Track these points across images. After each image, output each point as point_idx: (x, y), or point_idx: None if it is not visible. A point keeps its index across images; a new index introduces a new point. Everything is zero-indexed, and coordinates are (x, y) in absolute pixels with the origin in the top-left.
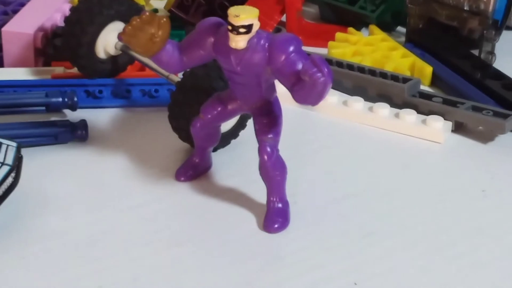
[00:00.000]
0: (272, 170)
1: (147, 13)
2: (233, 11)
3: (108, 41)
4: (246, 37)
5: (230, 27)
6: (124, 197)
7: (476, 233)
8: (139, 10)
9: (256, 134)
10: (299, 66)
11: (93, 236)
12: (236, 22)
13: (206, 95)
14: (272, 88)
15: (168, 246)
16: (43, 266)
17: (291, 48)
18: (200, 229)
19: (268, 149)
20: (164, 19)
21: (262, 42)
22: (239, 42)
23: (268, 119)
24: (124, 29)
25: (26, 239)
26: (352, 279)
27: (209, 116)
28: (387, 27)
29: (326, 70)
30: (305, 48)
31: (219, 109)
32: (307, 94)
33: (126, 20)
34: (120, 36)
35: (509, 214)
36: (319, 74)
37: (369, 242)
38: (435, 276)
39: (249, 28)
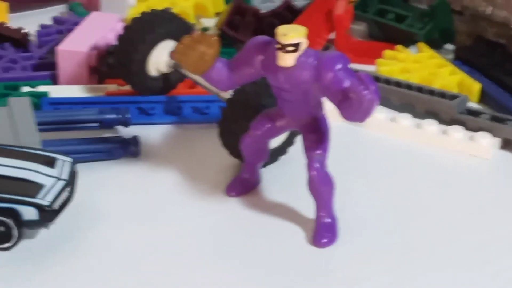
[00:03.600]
0: (321, 186)
1: (198, 32)
2: (281, 30)
3: (159, 59)
4: (294, 55)
5: (278, 46)
6: (175, 211)
7: None
8: (190, 29)
9: (304, 150)
10: (347, 83)
11: (144, 249)
12: (284, 40)
13: (255, 112)
14: (320, 105)
15: (216, 260)
16: (96, 278)
17: (339, 66)
18: (249, 243)
19: (317, 165)
20: (214, 38)
21: (310, 60)
22: (287, 60)
23: (316, 135)
24: (176, 48)
25: (80, 251)
26: None
27: (259, 132)
28: (436, 45)
29: (373, 87)
30: (353, 66)
31: (268, 125)
32: (354, 111)
33: (177, 38)
34: (171, 54)
35: None
36: (365, 92)
37: (414, 257)
38: None
39: (297, 46)
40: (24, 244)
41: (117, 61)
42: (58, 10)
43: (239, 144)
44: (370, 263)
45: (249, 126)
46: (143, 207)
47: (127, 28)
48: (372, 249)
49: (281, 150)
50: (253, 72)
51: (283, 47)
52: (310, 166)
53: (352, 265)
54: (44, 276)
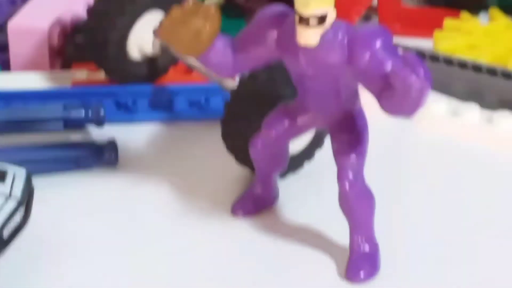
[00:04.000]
0: (356, 203)
1: (191, 1)
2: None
3: (143, 36)
4: (319, 31)
5: (298, 18)
6: (167, 238)
7: None
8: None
9: (334, 156)
10: (388, 66)
11: None
12: (306, 11)
13: (269, 105)
14: (355, 96)
15: None
16: None
17: (378, 44)
18: (265, 278)
19: (350, 176)
20: (213, 8)
21: (340, 36)
22: (310, 37)
23: (350, 136)
24: (162, 23)
25: None
26: None
27: (274, 132)
28: None
29: (422, 71)
30: (403, 40)
31: (286, 123)
32: (398, 103)
33: (165, 8)
34: (157, 32)
35: None
36: (413, 77)
37: None
38: None
39: (322, 19)
40: None
41: (88, 40)
42: None
43: (248, 148)
44: None
45: (261, 124)
46: (124, 232)
47: (95, 3)
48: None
49: (306, 155)
50: (264, 54)
51: (304, 20)
52: (341, 177)
53: None
54: None
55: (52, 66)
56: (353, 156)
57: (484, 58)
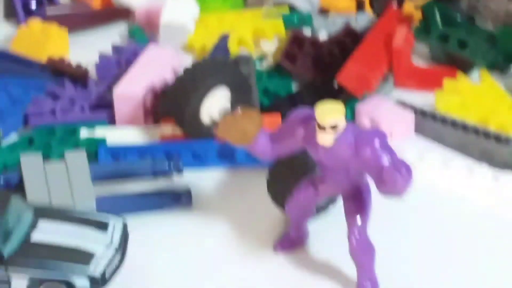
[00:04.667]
0: (361, 253)
1: (239, 114)
2: (319, 110)
3: (212, 107)
4: (333, 135)
5: (317, 125)
6: (223, 270)
7: None
8: (244, 78)
9: (345, 215)
10: (385, 161)
11: None
12: (322, 122)
13: (302, 174)
14: (360, 175)
15: None
16: None
17: (377, 143)
18: None
19: (356, 233)
20: (256, 113)
21: (348, 137)
22: (326, 139)
23: (357, 203)
24: (218, 125)
25: None
26: None
27: (302, 197)
28: (500, 68)
29: (404, 170)
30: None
31: (311, 190)
32: (388, 191)
33: (230, 85)
34: (215, 130)
35: None
36: (398, 175)
37: None
38: None
39: (335, 127)
40: None
41: (170, 107)
42: (118, 31)
43: (285, 203)
44: None
45: (294, 187)
46: (193, 264)
47: (176, 81)
48: None
49: (323, 207)
50: (293, 145)
51: (321, 127)
52: (349, 234)
53: None
54: None
55: (145, 122)
56: (359, 219)
57: (472, 117)
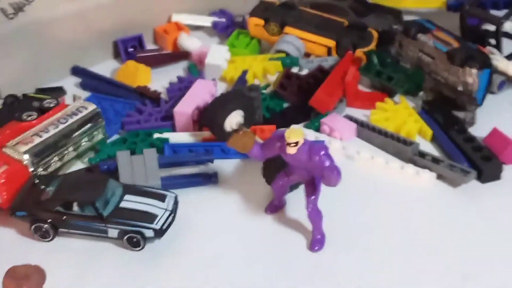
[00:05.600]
0: (313, 218)
1: (241, 131)
2: (287, 133)
3: (232, 121)
4: (295, 148)
5: (286, 141)
6: (237, 225)
7: None
8: (252, 104)
9: (305, 194)
10: (327, 164)
11: (223, 251)
12: (288, 140)
13: (281, 168)
14: (314, 171)
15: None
16: (187, 273)
17: (322, 153)
18: (269, 247)
19: (311, 206)
20: (252, 133)
21: (305, 148)
22: (291, 150)
23: (311, 186)
24: (229, 139)
25: (177, 253)
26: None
27: (280, 181)
28: (413, 94)
29: (336, 172)
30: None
31: (285, 178)
32: (327, 183)
33: (244, 109)
34: (227, 142)
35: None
36: (334, 173)
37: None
38: None
39: (296, 143)
40: (147, 247)
41: (207, 121)
42: (181, 66)
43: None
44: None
45: (276, 175)
46: (216, 219)
47: (211, 103)
48: (345, 253)
49: (294, 187)
50: (274, 152)
51: (288, 144)
52: (307, 204)
53: (335, 263)
54: (157, 266)
55: (193, 129)
56: (313, 196)
57: (390, 127)
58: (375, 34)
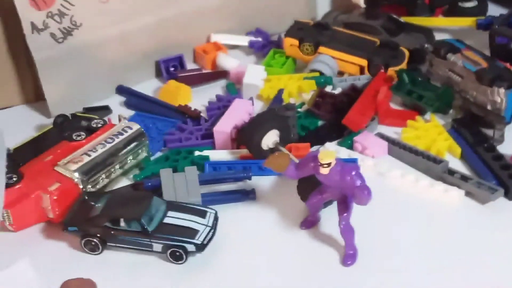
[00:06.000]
0: (346, 234)
1: (277, 153)
2: (320, 155)
3: (268, 141)
4: (328, 168)
5: (319, 162)
6: (285, 240)
7: None
8: (288, 127)
9: (337, 210)
10: (358, 183)
11: (259, 263)
12: (321, 161)
13: (316, 186)
14: (346, 190)
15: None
16: (223, 281)
17: (353, 173)
18: (302, 259)
19: (343, 223)
20: (286, 154)
21: (338, 169)
22: (324, 171)
23: (343, 204)
24: (266, 160)
25: (216, 265)
26: None
27: (314, 199)
28: (443, 111)
29: (367, 191)
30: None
31: (319, 196)
32: (358, 202)
33: (279, 128)
34: (264, 163)
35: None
36: (365, 192)
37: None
38: None
39: (329, 164)
40: (189, 260)
41: (245, 140)
42: (220, 85)
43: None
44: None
45: (311, 192)
46: (255, 234)
47: (248, 123)
48: (376, 268)
49: (327, 204)
50: (308, 171)
51: (321, 164)
52: (339, 221)
53: (367, 278)
54: (199, 279)
55: (232, 147)
56: (345, 214)
57: (421, 145)
58: (406, 53)
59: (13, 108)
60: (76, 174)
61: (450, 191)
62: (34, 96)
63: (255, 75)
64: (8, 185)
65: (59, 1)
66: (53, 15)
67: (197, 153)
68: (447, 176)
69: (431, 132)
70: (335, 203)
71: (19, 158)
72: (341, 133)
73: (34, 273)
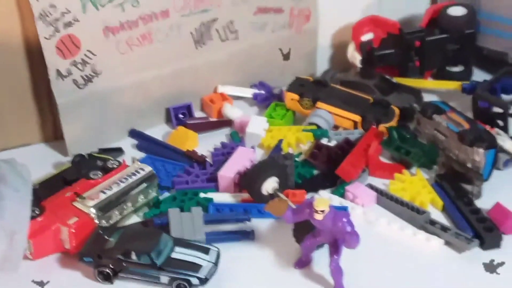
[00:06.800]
0: (335, 274)
1: (277, 199)
2: (315, 202)
3: (268, 187)
4: (322, 215)
5: (314, 209)
6: (274, 279)
7: None
8: (286, 175)
9: (329, 253)
10: (347, 229)
11: None
12: (316, 208)
13: (310, 230)
14: (337, 234)
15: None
16: None
17: (345, 220)
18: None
19: (334, 264)
20: (285, 200)
21: (331, 215)
22: (318, 217)
23: (334, 247)
24: (266, 205)
25: None
26: None
27: (308, 242)
28: (428, 166)
29: (356, 236)
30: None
31: (312, 239)
32: (347, 246)
33: (278, 175)
34: (264, 207)
35: None
36: (354, 237)
37: None
38: None
39: (323, 211)
40: None
41: (246, 184)
42: (225, 133)
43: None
44: None
45: (305, 235)
46: (253, 271)
47: (250, 170)
48: None
49: (319, 246)
50: (304, 217)
51: (316, 210)
52: (330, 262)
53: None
54: None
55: (234, 191)
56: (336, 256)
57: (406, 196)
58: (397, 111)
59: (33, 146)
60: (93, 210)
61: (431, 240)
62: (53, 135)
63: (257, 125)
64: (31, 218)
65: (83, 51)
66: (77, 63)
67: (202, 195)
68: (428, 226)
69: (416, 185)
70: (326, 246)
71: (41, 193)
72: (334, 182)
73: None
